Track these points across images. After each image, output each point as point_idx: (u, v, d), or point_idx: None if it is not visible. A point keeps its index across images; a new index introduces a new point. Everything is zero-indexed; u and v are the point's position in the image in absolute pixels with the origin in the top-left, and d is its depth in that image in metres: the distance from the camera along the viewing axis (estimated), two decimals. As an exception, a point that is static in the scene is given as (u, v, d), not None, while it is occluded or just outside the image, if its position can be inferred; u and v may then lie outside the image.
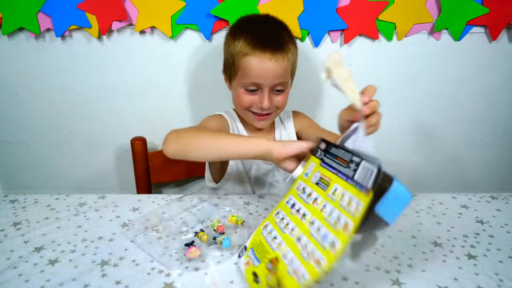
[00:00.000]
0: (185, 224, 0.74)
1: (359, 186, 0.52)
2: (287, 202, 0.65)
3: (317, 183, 0.61)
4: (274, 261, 0.58)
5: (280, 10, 1.00)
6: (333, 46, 1.12)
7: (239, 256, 0.64)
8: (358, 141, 0.60)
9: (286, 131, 1.02)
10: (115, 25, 1.06)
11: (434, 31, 1.09)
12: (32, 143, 1.23)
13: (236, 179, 0.99)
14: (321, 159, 0.63)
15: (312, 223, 0.57)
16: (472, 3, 1.05)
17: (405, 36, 1.11)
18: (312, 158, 0.66)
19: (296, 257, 0.55)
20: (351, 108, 0.64)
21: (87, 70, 1.13)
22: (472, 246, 0.70)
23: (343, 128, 0.67)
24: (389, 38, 1.11)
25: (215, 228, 0.71)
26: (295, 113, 1.06)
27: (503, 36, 1.13)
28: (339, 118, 0.68)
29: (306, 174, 0.65)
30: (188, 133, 0.79)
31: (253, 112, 0.90)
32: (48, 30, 1.07)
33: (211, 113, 1.20)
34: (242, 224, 0.73)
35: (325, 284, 0.59)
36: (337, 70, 0.61)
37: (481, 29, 1.11)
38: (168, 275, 0.61)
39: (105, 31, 1.06)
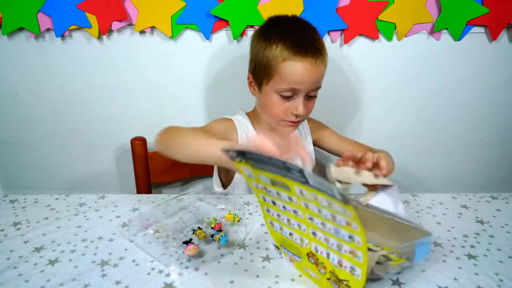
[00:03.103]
0: (183, 223, 0.74)
1: (323, 191, 0.50)
2: (264, 199, 0.63)
3: (273, 183, 0.57)
4: (312, 255, 0.59)
5: (280, 10, 1.00)
6: (333, 46, 1.12)
7: (282, 257, 0.66)
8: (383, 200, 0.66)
9: (301, 136, 1.02)
10: (115, 25, 1.06)
11: (434, 31, 1.09)
12: (32, 143, 1.23)
13: (244, 185, 0.97)
14: (247, 163, 0.56)
15: (311, 219, 0.57)
16: (472, 3, 1.05)
17: (405, 36, 1.11)
18: (237, 163, 0.57)
19: (330, 251, 0.56)
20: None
21: (87, 70, 1.13)
22: (472, 246, 0.70)
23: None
24: (389, 38, 1.11)
25: (213, 226, 0.71)
26: (309, 119, 1.05)
27: (503, 36, 1.13)
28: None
29: (250, 176, 0.59)
30: (173, 132, 0.78)
31: (285, 120, 0.87)
32: (48, 30, 1.07)
33: (211, 113, 1.21)
34: (238, 221, 0.74)
35: (325, 284, 0.59)
36: (342, 178, 0.66)
37: (481, 29, 1.11)
38: (168, 275, 0.61)
39: (105, 31, 1.06)
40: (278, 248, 0.66)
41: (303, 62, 0.80)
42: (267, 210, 0.64)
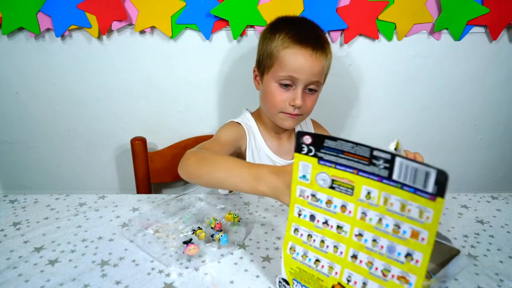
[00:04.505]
0: (183, 223, 0.74)
1: (411, 189, 0.44)
2: (299, 214, 0.55)
3: (332, 187, 0.51)
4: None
5: (280, 10, 1.00)
6: (333, 46, 1.11)
7: None
8: None
9: None
10: (115, 25, 1.06)
11: (434, 31, 1.09)
12: (32, 143, 1.23)
13: None
14: (315, 156, 0.51)
15: (360, 235, 0.49)
16: (472, 3, 1.05)
17: (405, 36, 1.11)
18: (299, 156, 0.52)
19: (369, 279, 0.49)
20: None
21: (87, 70, 1.13)
22: (472, 246, 0.70)
23: None
24: (389, 38, 1.11)
25: (213, 226, 0.72)
26: (315, 123, 1.07)
27: (503, 36, 1.13)
28: None
29: (304, 177, 0.53)
30: (195, 159, 0.74)
31: (283, 112, 0.87)
32: (48, 30, 1.07)
33: (211, 113, 1.21)
34: (238, 221, 0.74)
35: (325, 284, 0.59)
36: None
37: (481, 29, 1.11)
38: (168, 275, 0.61)
39: (105, 31, 1.06)
40: (288, 284, 0.58)
41: (302, 51, 0.82)
42: (295, 229, 0.55)
